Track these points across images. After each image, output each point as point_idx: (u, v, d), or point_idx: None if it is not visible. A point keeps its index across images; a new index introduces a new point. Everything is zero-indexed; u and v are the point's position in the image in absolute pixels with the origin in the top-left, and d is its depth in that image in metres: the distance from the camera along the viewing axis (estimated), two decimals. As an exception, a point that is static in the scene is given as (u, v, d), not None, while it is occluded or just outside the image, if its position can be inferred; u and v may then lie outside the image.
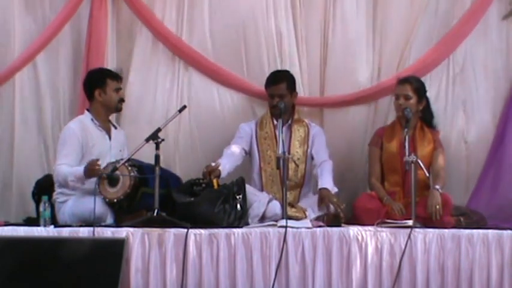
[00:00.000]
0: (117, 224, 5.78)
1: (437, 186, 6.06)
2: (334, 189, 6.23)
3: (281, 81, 6.38)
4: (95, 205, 5.59)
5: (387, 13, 6.84)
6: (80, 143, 6.03)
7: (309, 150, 6.42)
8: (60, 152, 6.03)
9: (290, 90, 6.39)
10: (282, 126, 6.15)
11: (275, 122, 6.36)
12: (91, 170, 5.79)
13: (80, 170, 5.87)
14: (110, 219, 5.83)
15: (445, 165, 6.35)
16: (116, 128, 6.26)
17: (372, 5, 6.85)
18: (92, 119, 6.14)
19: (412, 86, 6.27)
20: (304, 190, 6.42)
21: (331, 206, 6.03)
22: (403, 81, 6.32)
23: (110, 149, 6.13)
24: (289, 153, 6.14)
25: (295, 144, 6.39)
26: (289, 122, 6.42)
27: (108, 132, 6.18)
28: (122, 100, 6.20)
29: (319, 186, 6.19)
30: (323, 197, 6.10)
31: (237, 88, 6.81)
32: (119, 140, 6.23)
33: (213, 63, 6.77)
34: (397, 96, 6.29)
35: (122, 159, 5.83)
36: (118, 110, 6.23)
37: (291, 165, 6.23)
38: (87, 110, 6.21)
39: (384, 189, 6.29)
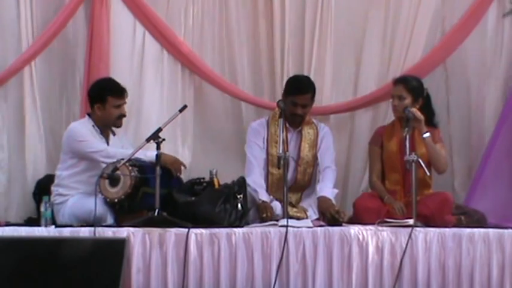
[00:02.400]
0: (118, 224, 5.78)
1: (427, 134, 6.07)
2: (334, 192, 6.22)
3: (308, 90, 6.27)
4: (95, 205, 5.59)
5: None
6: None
7: (316, 153, 6.39)
8: (88, 143, 5.98)
9: (313, 99, 6.33)
10: (292, 129, 6.20)
11: (287, 125, 6.29)
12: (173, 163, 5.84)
13: (152, 153, 5.82)
14: (110, 220, 5.83)
15: (446, 153, 6.34)
16: (114, 135, 6.23)
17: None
18: (93, 125, 6.13)
19: (406, 86, 6.24)
20: (307, 191, 6.40)
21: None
22: (397, 81, 6.31)
23: None
24: (299, 157, 6.16)
25: (305, 147, 6.35)
26: (300, 125, 6.37)
27: (107, 140, 6.18)
28: (122, 116, 6.13)
29: (318, 193, 6.19)
30: (323, 210, 6.08)
31: (229, 94, 6.84)
32: (116, 147, 6.20)
33: (211, 70, 6.80)
34: (392, 97, 6.28)
35: (122, 159, 5.82)
36: (116, 126, 6.18)
37: (300, 168, 6.22)
38: (88, 114, 6.21)
39: (385, 188, 6.29)
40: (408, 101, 6.22)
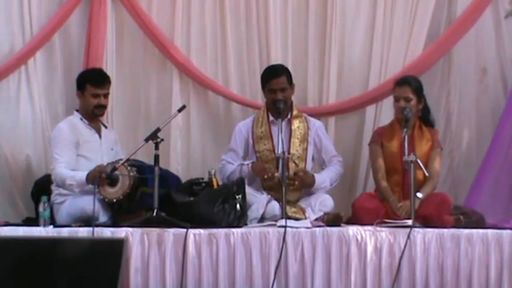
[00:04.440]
0: (113, 222, 5.79)
1: (419, 195, 6.00)
2: (324, 179, 6.24)
3: (281, 74, 6.27)
4: (94, 204, 5.60)
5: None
6: (72, 142, 6.03)
7: (309, 148, 6.37)
8: (55, 152, 6.04)
9: (290, 82, 6.30)
10: (281, 124, 6.12)
11: (271, 118, 6.29)
12: (95, 175, 5.79)
13: (82, 175, 5.87)
14: (103, 217, 5.82)
15: (440, 169, 6.33)
16: (106, 127, 6.26)
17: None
18: (80, 118, 6.15)
19: (412, 87, 6.22)
20: (306, 190, 6.33)
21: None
22: (402, 82, 6.26)
23: (101, 147, 6.15)
24: (288, 152, 6.09)
25: (294, 142, 6.30)
26: (289, 117, 6.32)
27: (98, 131, 6.19)
28: (100, 106, 6.13)
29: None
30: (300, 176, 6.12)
31: (222, 95, 6.88)
32: (109, 138, 6.24)
33: (199, 70, 6.82)
34: (397, 98, 6.23)
35: (121, 159, 5.83)
36: (95, 115, 6.17)
37: (291, 165, 6.19)
38: (76, 110, 6.23)
39: (384, 189, 6.29)
40: (414, 101, 6.21)
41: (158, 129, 5.83)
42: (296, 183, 6.11)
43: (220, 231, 5.58)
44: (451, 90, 6.96)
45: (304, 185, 6.19)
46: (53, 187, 6.10)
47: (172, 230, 5.55)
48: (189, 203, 5.83)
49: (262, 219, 5.99)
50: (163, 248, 5.52)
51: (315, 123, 6.44)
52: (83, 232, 5.52)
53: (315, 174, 6.21)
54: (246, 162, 6.25)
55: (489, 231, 5.75)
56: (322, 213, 6.06)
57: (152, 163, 5.77)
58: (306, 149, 6.34)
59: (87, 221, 5.70)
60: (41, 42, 6.63)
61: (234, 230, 5.61)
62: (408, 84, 6.23)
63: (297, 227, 5.65)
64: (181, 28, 6.86)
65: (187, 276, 5.50)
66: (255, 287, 5.53)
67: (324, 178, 6.27)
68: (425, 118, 6.36)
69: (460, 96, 6.95)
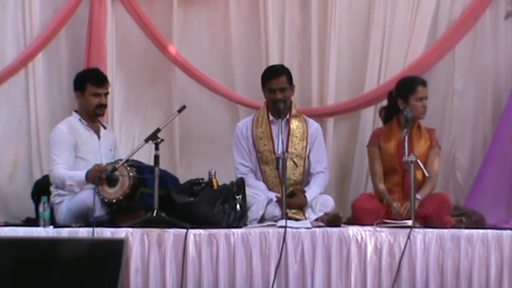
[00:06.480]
0: (110, 218, 5.79)
1: (418, 196, 5.99)
2: (316, 193, 6.20)
3: (281, 74, 6.28)
4: (94, 200, 5.61)
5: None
6: (71, 144, 6.04)
7: (308, 147, 6.34)
8: (53, 153, 6.04)
9: (290, 83, 6.31)
10: (281, 123, 6.12)
11: (271, 117, 6.30)
12: (95, 175, 5.79)
13: (81, 174, 5.87)
14: (101, 211, 5.81)
15: (439, 168, 6.34)
16: (105, 128, 6.25)
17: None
18: (79, 120, 6.15)
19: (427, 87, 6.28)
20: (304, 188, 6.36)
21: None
22: (424, 83, 6.28)
23: (100, 148, 6.15)
24: (287, 151, 6.10)
25: (293, 140, 6.29)
26: (287, 117, 6.31)
27: (97, 132, 6.19)
28: (101, 105, 6.14)
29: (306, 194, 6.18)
30: (295, 200, 6.09)
31: (222, 95, 6.88)
32: (108, 139, 6.25)
33: (199, 71, 6.82)
34: (421, 99, 6.21)
35: (120, 160, 5.83)
36: (96, 114, 6.16)
37: (289, 163, 6.16)
38: (75, 111, 6.22)
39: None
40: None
41: (158, 130, 5.83)
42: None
43: (220, 232, 5.58)
44: (452, 91, 6.95)
45: (298, 207, 6.17)
46: (52, 188, 6.10)
47: (172, 231, 5.55)
48: (189, 204, 5.83)
49: (262, 219, 5.99)
50: (163, 248, 5.51)
51: (313, 125, 6.43)
52: (83, 232, 5.51)
53: (306, 194, 6.18)
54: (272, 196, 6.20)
55: (489, 231, 5.75)
56: (322, 214, 6.06)
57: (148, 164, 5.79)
58: (305, 147, 6.33)
59: (86, 214, 5.71)
60: (43, 44, 6.63)
61: (234, 230, 5.61)
62: (426, 85, 6.27)
63: (297, 228, 5.65)
64: (180, 28, 6.87)
65: (187, 277, 5.50)
66: (255, 288, 5.55)
67: (314, 191, 6.23)
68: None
69: (460, 96, 6.95)
